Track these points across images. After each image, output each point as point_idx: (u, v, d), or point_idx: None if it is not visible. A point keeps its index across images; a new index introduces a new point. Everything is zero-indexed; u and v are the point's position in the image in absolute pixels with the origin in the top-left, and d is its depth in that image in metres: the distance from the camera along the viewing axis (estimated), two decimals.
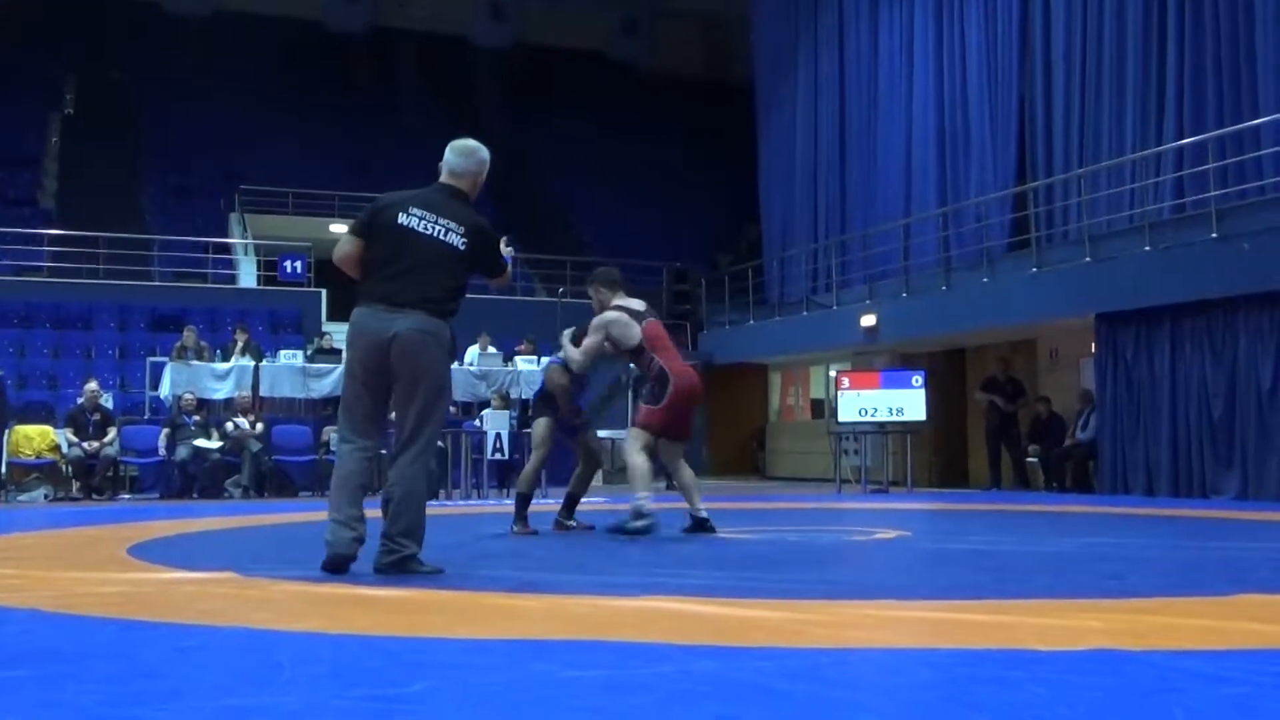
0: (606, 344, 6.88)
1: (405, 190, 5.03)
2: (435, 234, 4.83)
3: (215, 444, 13.29)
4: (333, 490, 4.84)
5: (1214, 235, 11.04)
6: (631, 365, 6.87)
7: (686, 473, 7.03)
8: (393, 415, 4.91)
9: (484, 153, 5.10)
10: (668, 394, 6.70)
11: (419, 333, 4.71)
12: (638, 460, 6.77)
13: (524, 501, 7.40)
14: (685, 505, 7.08)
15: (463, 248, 4.86)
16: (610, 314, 6.85)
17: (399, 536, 4.66)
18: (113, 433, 13.41)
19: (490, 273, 5.16)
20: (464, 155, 5.06)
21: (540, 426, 7.44)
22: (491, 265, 5.11)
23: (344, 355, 5.07)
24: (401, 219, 4.84)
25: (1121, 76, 13.42)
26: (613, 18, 31.20)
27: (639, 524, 6.65)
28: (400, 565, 4.63)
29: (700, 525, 6.95)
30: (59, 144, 24.47)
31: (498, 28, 30.49)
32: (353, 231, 4.96)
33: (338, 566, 4.69)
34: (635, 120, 28.22)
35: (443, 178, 5.06)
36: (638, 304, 6.97)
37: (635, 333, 6.77)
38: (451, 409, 12.10)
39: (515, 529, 7.23)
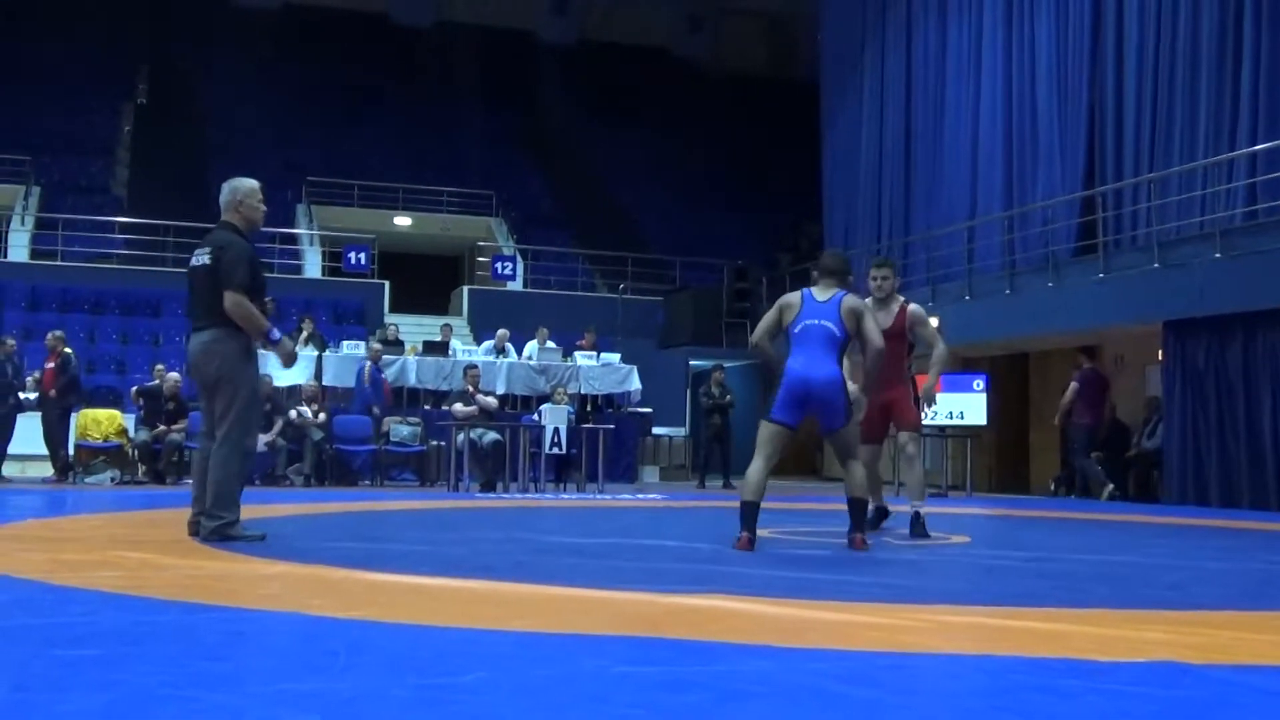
0: None
1: None
2: (198, 261, 5.82)
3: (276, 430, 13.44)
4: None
5: None
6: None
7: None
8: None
9: (230, 183, 5.97)
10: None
11: (203, 345, 5.73)
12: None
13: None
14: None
15: (210, 261, 5.73)
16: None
17: (213, 509, 5.65)
18: (184, 422, 13.59)
19: (223, 282, 5.67)
20: (221, 193, 5.98)
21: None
22: (226, 275, 5.67)
23: None
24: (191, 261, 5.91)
25: (1195, 79, 13.14)
26: (678, 15, 31.15)
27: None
28: (219, 532, 5.60)
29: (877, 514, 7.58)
30: (131, 133, 24.89)
31: (562, 23, 30.60)
32: None
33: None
34: (698, 118, 28.19)
35: None
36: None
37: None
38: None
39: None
